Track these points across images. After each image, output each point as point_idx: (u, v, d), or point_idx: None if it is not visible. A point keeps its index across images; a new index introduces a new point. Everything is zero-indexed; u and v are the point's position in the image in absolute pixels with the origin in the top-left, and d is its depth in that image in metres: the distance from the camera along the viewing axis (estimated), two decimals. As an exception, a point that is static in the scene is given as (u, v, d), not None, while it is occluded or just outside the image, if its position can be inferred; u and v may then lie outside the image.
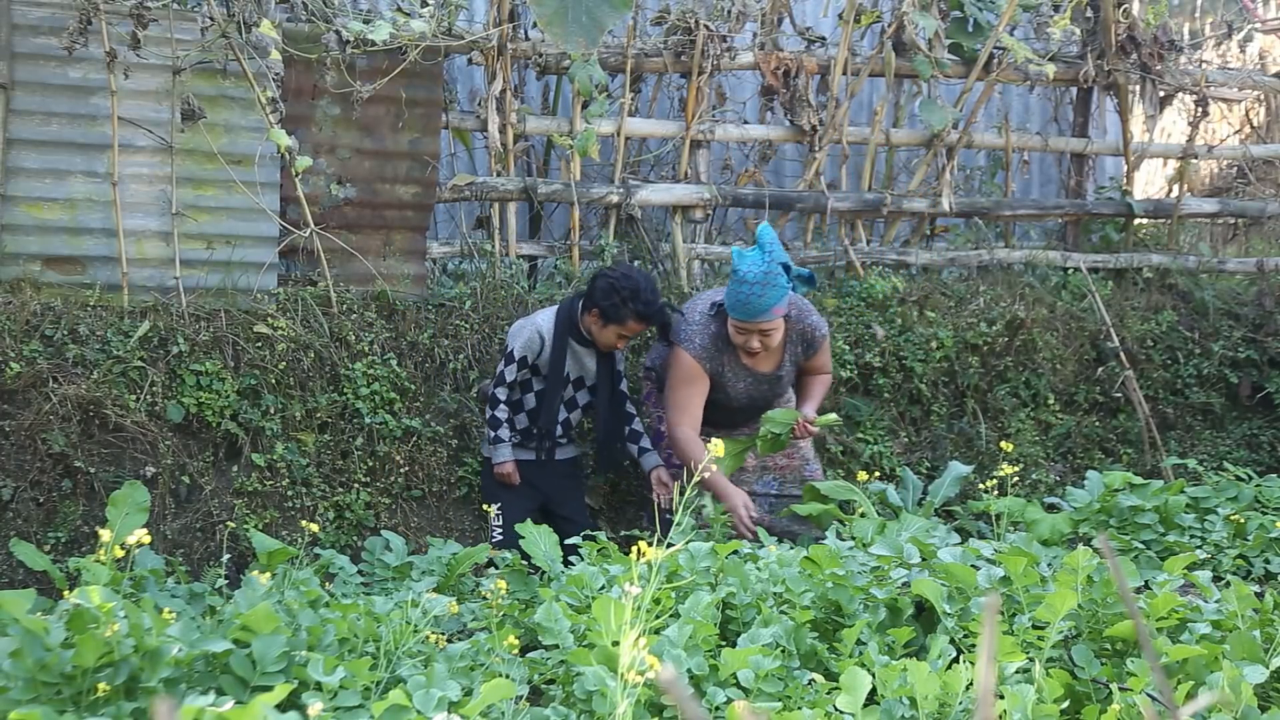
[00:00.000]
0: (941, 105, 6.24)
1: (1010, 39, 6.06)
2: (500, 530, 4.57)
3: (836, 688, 2.89)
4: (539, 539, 3.95)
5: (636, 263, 5.77)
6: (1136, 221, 6.91)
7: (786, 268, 4.58)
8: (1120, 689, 2.94)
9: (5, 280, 4.74)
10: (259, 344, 4.90)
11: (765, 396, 4.93)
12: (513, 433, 4.91)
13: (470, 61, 5.66)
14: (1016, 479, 5.81)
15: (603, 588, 3.43)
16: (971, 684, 2.82)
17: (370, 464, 5.04)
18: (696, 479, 3.09)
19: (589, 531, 4.02)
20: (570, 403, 4.99)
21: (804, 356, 4.91)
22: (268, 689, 2.49)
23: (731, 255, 4.62)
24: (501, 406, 4.87)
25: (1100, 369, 6.35)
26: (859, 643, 3.21)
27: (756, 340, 4.67)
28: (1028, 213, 6.64)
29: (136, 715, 2.55)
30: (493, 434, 4.88)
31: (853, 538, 4.14)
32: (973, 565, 3.58)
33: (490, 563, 4.10)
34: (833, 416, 4.94)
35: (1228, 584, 3.58)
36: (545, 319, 4.88)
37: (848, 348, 5.78)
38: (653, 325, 4.86)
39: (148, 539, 2.94)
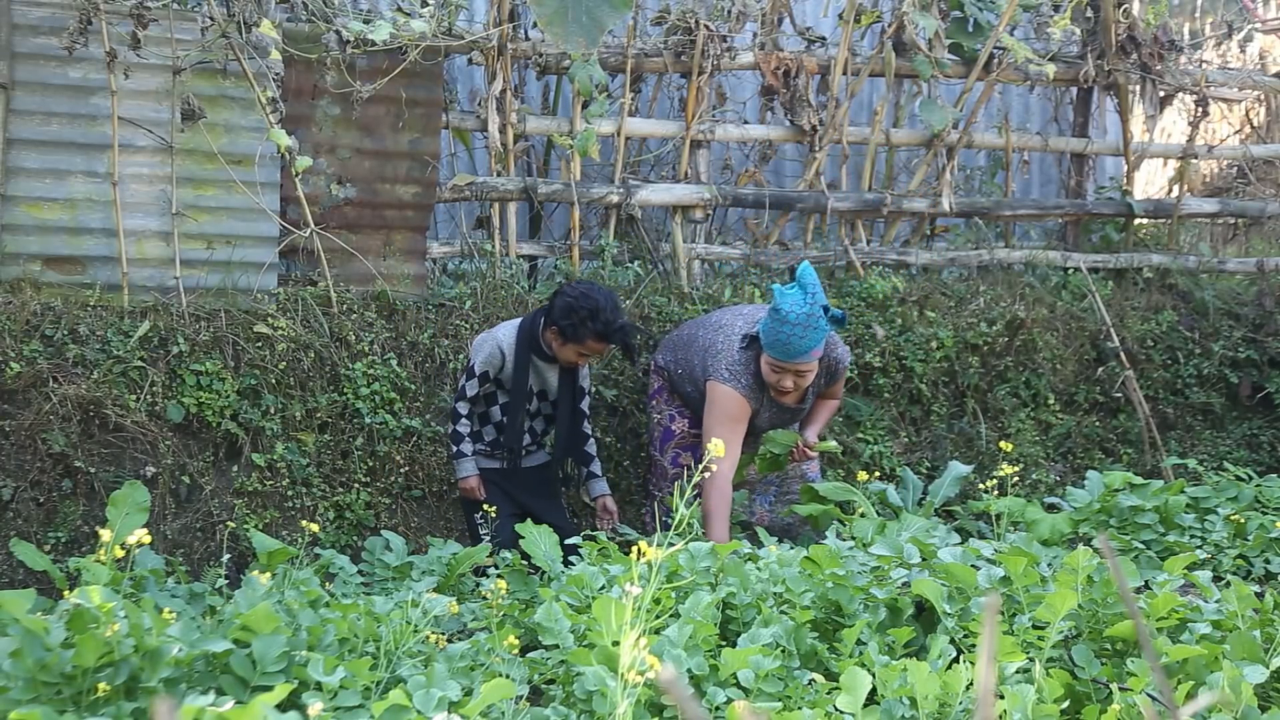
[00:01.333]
0: (941, 105, 6.24)
1: (1010, 39, 6.06)
2: (487, 538, 4.49)
3: (836, 688, 2.89)
4: (539, 539, 3.95)
5: (636, 263, 5.78)
6: (1136, 221, 6.92)
7: (824, 308, 4.52)
8: (1120, 689, 2.94)
9: (5, 280, 4.74)
10: (259, 344, 4.90)
11: (785, 425, 4.95)
12: (480, 444, 4.83)
13: (470, 61, 5.66)
14: (1016, 479, 5.81)
15: (603, 588, 3.43)
16: (971, 684, 2.82)
17: (370, 464, 5.04)
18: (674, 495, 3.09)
19: (589, 532, 4.01)
20: (535, 414, 4.91)
21: (825, 386, 4.91)
22: (268, 689, 2.49)
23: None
24: (463, 421, 4.76)
25: (1100, 369, 6.35)
26: (859, 643, 3.21)
27: (790, 380, 4.61)
28: (1028, 213, 6.64)
29: (136, 715, 2.55)
30: (454, 448, 4.77)
31: (853, 538, 4.14)
32: (973, 565, 3.58)
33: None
34: (833, 444, 4.94)
35: (1228, 584, 3.58)
36: (506, 333, 4.76)
37: (848, 348, 5.78)
38: (613, 345, 4.74)
39: (148, 539, 2.94)
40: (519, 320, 4.84)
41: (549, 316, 4.68)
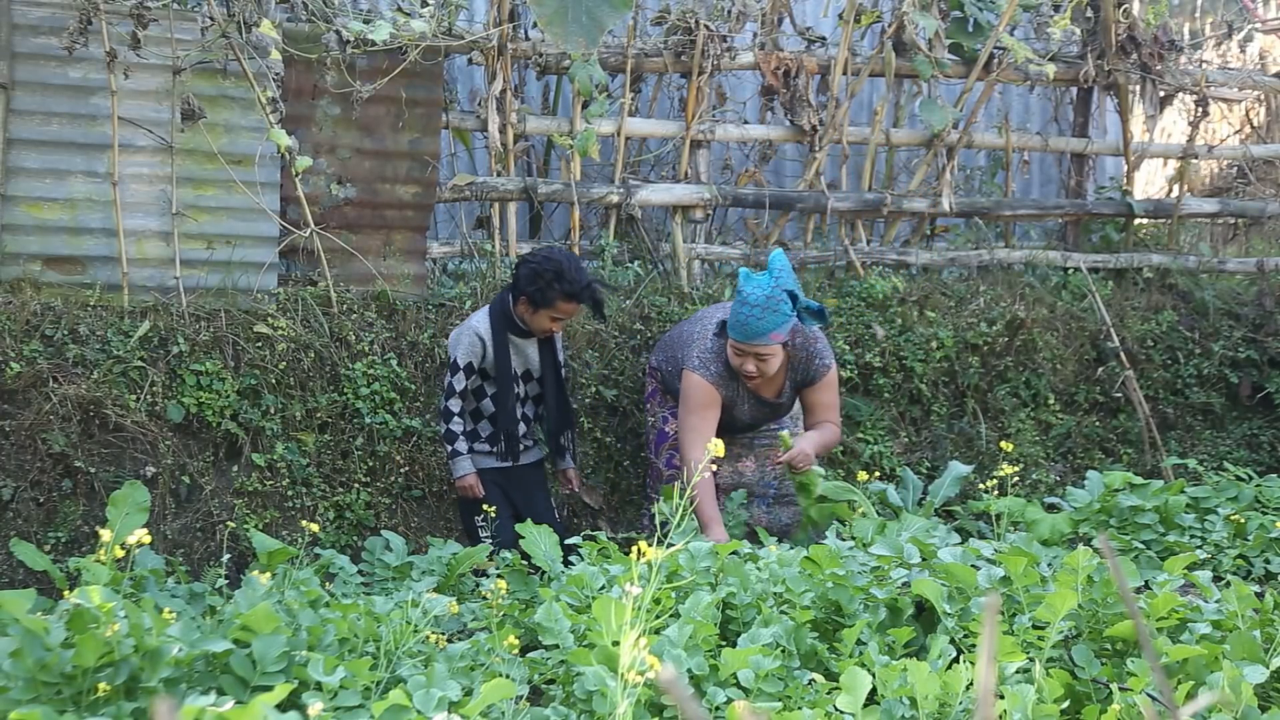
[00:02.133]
0: (941, 105, 6.24)
1: (1010, 39, 6.06)
2: (487, 539, 4.47)
3: (836, 688, 2.89)
4: (539, 539, 3.95)
5: (636, 263, 5.78)
6: (1136, 221, 6.92)
7: (793, 296, 4.52)
8: (1120, 689, 2.94)
9: (5, 280, 4.74)
10: (259, 344, 4.90)
11: (767, 419, 4.95)
12: (479, 441, 4.82)
13: (470, 61, 5.66)
14: (1016, 479, 5.81)
15: (603, 588, 3.43)
16: (971, 684, 2.82)
17: (370, 464, 5.04)
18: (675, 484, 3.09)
19: (589, 533, 4.01)
20: (524, 398, 4.91)
21: (803, 384, 4.87)
22: (268, 689, 2.49)
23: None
24: (455, 419, 4.74)
25: (1100, 369, 6.35)
26: (859, 643, 3.21)
27: (752, 363, 4.61)
28: (1028, 213, 6.64)
29: (136, 715, 2.55)
30: (449, 448, 4.75)
31: (853, 538, 4.14)
32: (973, 565, 3.58)
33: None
34: (818, 470, 4.77)
35: (1228, 584, 3.58)
36: (480, 321, 4.77)
37: (848, 348, 5.78)
38: (583, 304, 4.73)
39: (148, 539, 2.94)
40: (488, 306, 4.85)
41: (516, 288, 4.69)
